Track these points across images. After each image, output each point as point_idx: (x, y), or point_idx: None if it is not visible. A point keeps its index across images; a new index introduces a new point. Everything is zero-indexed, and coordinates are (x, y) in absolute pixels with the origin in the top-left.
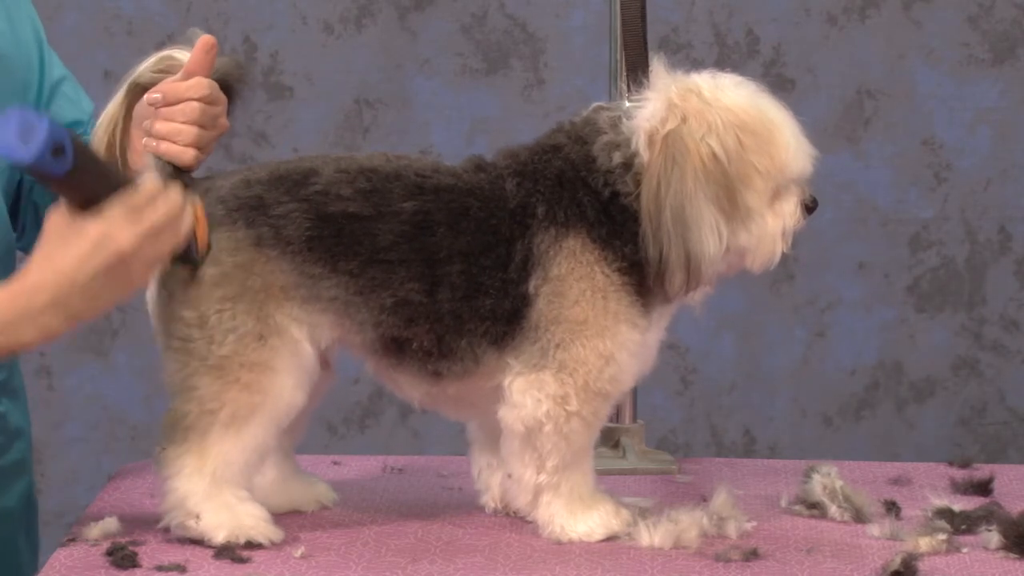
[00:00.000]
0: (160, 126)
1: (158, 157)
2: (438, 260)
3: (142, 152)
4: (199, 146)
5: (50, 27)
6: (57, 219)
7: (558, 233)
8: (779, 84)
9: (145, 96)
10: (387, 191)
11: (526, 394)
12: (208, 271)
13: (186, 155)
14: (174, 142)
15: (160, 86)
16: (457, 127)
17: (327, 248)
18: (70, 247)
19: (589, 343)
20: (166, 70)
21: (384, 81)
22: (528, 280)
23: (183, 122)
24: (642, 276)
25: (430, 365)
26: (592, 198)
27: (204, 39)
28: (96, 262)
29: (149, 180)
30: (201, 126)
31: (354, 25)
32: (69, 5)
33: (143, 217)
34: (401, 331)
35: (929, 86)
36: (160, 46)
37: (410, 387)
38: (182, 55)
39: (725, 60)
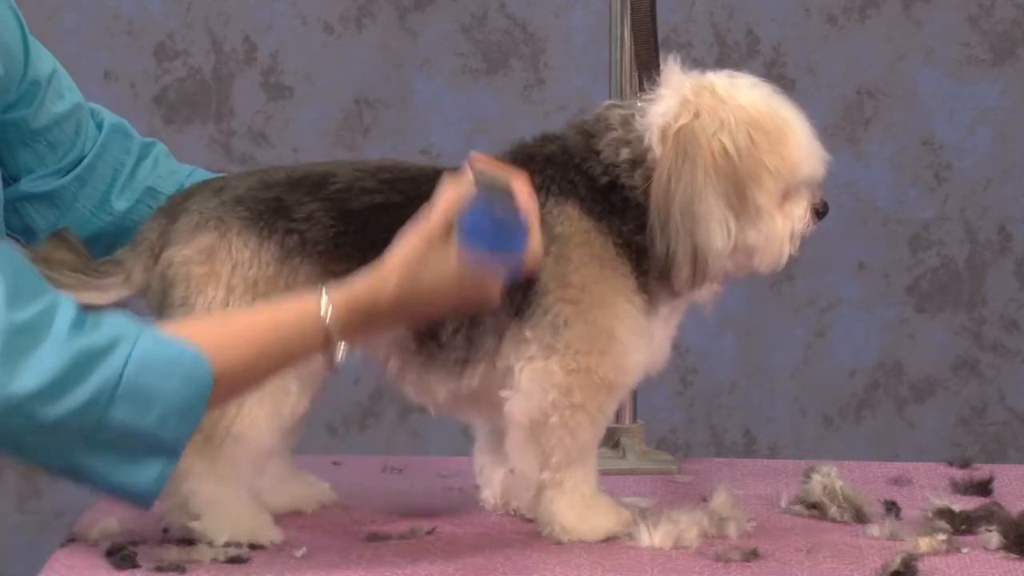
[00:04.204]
0: None
1: None
2: None
3: None
4: None
5: (50, 27)
6: (430, 235)
7: (556, 200)
8: (779, 84)
9: None
10: (410, 179)
11: (534, 383)
12: (233, 282)
13: None
14: None
15: None
16: (457, 127)
17: (354, 243)
18: (438, 279)
19: (590, 316)
20: None
21: (384, 81)
22: None
23: None
24: (639, 256)
25: (458, 352)
26: (583, 180)
27: None
28: (458, 301)
29: (536, 241)
30: None
31: (354, 25)
32: (69, 5)
33: (505, 272)
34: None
35: (929, 86)
36: (160, 46)
37: (439, 384)
38: None
39: (725, 60)
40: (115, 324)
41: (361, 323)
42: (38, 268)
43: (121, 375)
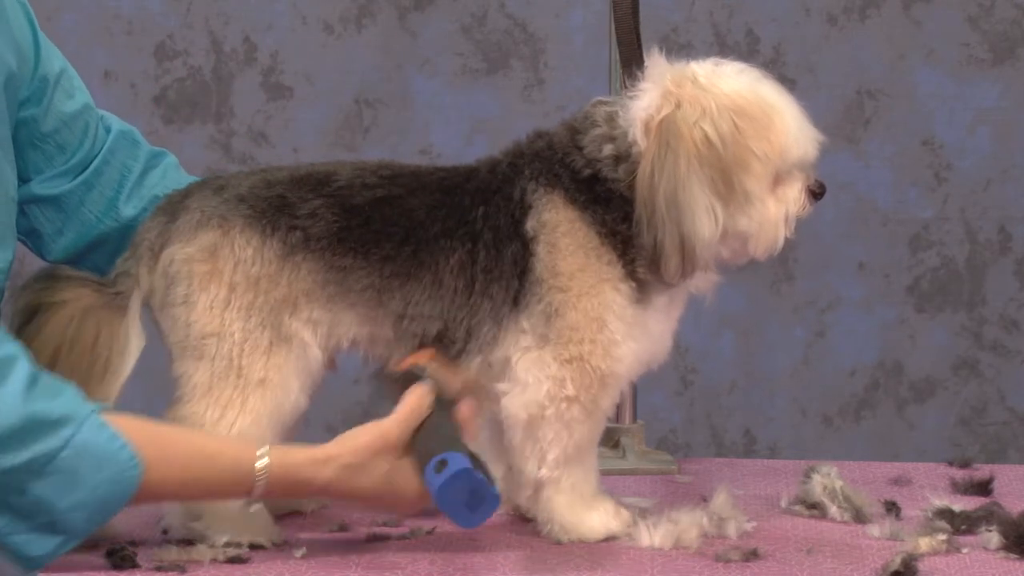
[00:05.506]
0: None
1: None
2: (467, 221)
3: None
4: None
5: (50, 27)
6: (385, 443)
7: (544, 189)
8: (779, 84)
9: None
10: (411, 174)
11: (529, 373)
12: (235, 279)
13: None
14: None
15: None
16: (457, 127)
17: (358, 238)
18: (374, 485)
19: (580, 305)
20: None
21: (384, 81)
22: (526, 219)
23: None
24: (624, 245)
25: (458, 344)
26: (567, 172)
27: None
28: (383, 509)
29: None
30: None
31: (354, 25)
32: (69, 5)
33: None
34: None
35: (929, 86)
36: (160, 46)
37: None
38: None
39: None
40: (70, 400)
41: (286, 491)
42: (58, 313)
43: (58, 454)
